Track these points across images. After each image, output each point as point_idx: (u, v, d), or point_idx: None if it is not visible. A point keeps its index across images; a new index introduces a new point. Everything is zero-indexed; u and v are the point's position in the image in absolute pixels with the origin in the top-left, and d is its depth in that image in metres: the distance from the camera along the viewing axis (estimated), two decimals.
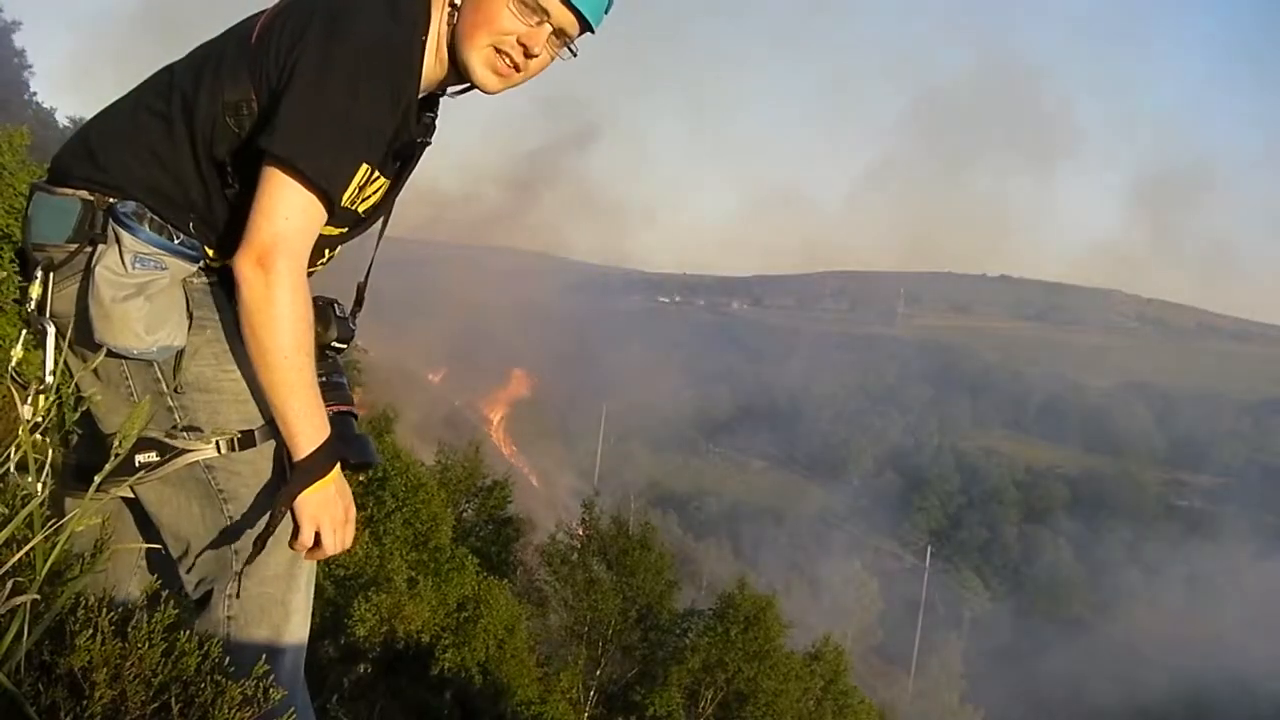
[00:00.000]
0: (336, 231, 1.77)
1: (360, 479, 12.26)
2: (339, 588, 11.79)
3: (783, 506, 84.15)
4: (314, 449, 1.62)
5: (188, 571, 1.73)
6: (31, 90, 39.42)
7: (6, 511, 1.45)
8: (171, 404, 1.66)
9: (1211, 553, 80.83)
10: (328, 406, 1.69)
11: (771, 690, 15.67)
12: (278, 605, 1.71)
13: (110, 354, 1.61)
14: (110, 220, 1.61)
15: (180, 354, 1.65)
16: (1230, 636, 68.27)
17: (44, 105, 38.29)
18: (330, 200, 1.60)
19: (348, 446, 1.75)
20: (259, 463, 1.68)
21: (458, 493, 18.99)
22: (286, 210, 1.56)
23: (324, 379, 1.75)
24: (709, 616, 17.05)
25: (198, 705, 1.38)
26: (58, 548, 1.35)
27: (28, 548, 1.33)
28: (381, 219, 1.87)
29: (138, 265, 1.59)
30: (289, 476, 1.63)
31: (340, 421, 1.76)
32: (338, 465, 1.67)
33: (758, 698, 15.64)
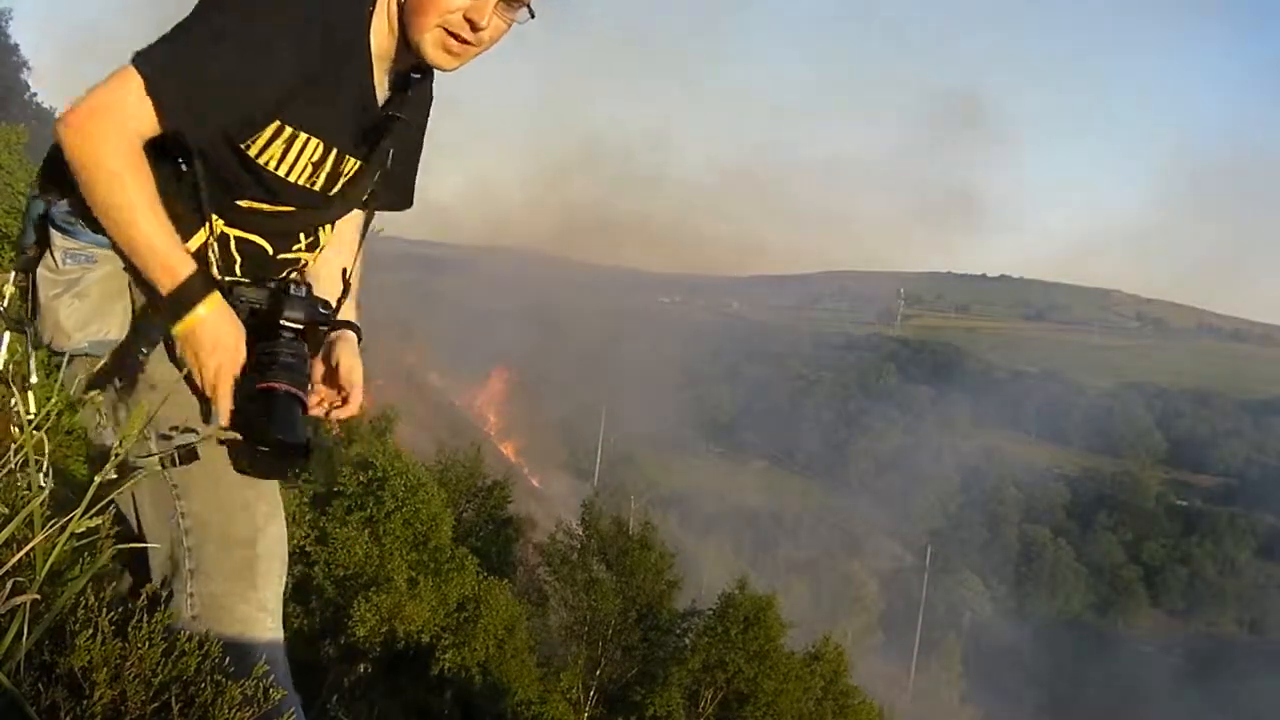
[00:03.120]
0: (290, 209, 1.69)
1: (360, 479, 12.27)
2: (339, 588, 11.78)
3: (783, 506, 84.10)
4: (186, 276, 1.54)
5: (153, 571, 1.70)
6: (31, 90, 39.36)
7: (7, 511, 1.44)
8: (117, 401, 1.66)
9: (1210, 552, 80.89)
10: (268, 383, 1.58)
11: (771, 690, 15.64)
12: (240, 604, 1.66)
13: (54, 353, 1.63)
14: (47, 222, 1.62)
15: (137, 349, 1.63)
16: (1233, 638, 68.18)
17: (44, 105, 38.21)
18: (195, 120, 1.52)
19: (268, 423, 1.57)
20: (216, 460, 1.66)
21: (458, 493, 18.96)
22: (122, 92, 1.48)
23: (273, 356, 1.62)
24: (709, 616, 17.01)
25: (198, 705, 1.38)
26: (58, 548, 1.35)
27: (28, 548, 1.33)
28: (368, 204, 1.84)
29: (68, 261, 1.60)
30: (163, 310, 1.56)
31: (266, 398, 1.59)
32: (217, 292, 1.58)
33: (758, 698, 15.62)
